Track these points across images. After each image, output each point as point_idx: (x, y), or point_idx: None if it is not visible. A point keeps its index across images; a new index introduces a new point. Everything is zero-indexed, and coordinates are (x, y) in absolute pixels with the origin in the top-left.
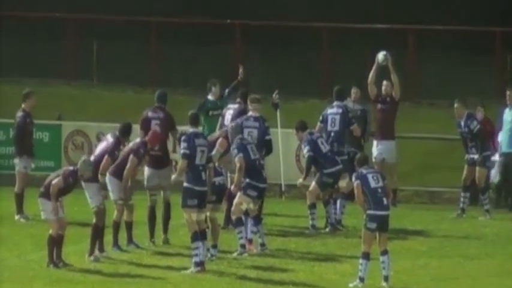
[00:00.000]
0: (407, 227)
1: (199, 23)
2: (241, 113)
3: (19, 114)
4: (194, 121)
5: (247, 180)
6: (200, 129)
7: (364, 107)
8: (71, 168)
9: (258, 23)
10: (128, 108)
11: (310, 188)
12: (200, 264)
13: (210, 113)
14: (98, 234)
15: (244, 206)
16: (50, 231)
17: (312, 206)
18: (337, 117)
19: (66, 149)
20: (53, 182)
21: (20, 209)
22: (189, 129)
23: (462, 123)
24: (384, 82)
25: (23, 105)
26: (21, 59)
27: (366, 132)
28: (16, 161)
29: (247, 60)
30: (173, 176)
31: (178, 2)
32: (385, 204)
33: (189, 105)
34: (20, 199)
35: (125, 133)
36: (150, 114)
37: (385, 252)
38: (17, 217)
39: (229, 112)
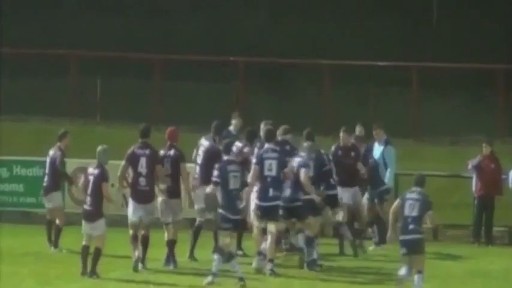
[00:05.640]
0: None
1: (203, 60)
2: (213, 153)
3: (57, 152)
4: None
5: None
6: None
7: (366, 145)
8: None
9: (261, 59)
10: (130, 146)
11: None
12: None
13: None
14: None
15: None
16: None
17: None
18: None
19: (70, 186)
20: None
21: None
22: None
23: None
24: (341, 131)
25: (58, 144)
26: (24, 97)
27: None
28: (54, 195)
29: (250, 96)
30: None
31: (181, 39)
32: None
33: (193, 142)
34: (58, 232)
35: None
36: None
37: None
38: (54, 250)
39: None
